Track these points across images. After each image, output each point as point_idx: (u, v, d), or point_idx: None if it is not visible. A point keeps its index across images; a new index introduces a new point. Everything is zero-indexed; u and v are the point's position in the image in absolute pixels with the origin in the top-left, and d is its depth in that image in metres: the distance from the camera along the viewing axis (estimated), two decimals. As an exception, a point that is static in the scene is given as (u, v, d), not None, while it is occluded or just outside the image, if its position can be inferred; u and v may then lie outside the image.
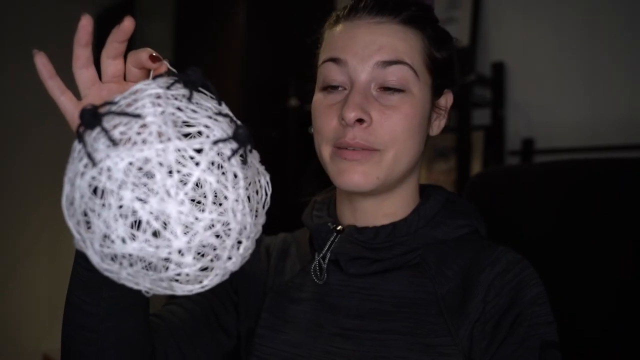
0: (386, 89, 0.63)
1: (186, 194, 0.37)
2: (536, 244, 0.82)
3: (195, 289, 0.40)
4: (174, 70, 0.46)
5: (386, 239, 0.66)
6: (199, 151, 0.38)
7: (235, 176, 0.39)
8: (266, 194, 0.44)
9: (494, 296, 0.62)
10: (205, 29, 2.15)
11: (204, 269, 0.40)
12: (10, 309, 2.63)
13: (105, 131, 0.38)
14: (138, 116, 0.38)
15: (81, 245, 0.39)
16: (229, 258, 0.40)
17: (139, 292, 0.41)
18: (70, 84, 0.52)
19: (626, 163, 0.82)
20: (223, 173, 0.39)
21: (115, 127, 0.39)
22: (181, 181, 0.37)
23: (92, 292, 0.55)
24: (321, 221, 0.72)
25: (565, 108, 1.48)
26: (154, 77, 0.44)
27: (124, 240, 0.37)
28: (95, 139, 0.38)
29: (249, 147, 0.41)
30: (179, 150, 0.37)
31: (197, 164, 0.37)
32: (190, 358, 0.67)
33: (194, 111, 0.40)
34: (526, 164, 1.48)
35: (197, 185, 0.38)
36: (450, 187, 1.53)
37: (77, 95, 0.53)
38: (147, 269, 0.40)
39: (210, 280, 0.40)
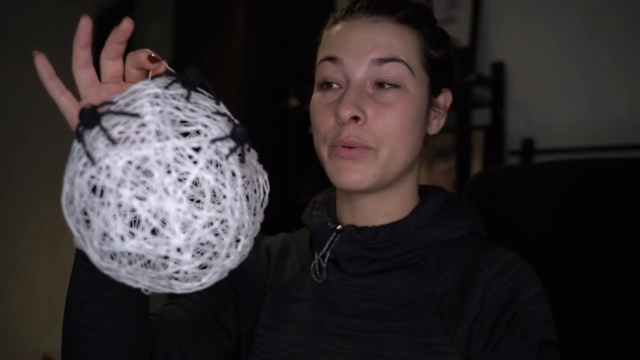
0: (381, 85, 0.64)
1: (184, 192, 0.37)
2: (536, 244, 0.82)
3: (194, 286, 0.40)
4: (172, 70, 0.47)
5: (385, 239, 0.67)
6: (197, 150, 0.38)
7: (233, 174, 0.39)
8: (264, 193, 0.44)
9: (492, 296, 0.62)
10: (205, 29, 2.15)
11: (203, 267, 0.40)
12: (10, 309, 2.63)
13: (104, 130, 0.38)
14: (136, 115, 0.39)
15: (81, 244, 0.40)
16: (228, 256, 0.41)
17: (139, 291, 0.41)
18: (70, 84, 0.53)
19: (626, 163, 0.82)
20: (221, 171, 0.39)
21: (114, 126, 0.39)
22: (179, 179, 0.37)
23: (92, 291, 0.55)
24: (321, 221, 0.72)
25: (565, 108, 1.48)
26: (153, 77, 0.44)
27: (122, 238, 0.37)
28: (95, 138, 0.39)
29: (246, 146, 0.41)
30: (177, 148, 0.37)
31: (195, 162, 0.38)
32: (190, 358, 0.67)
33: (192, 110, 0.41)
34: (526, 164, 1.48)
35: (195, 183, 0.38)
36: (450, 187, 1.53)
37: (77, 95, 0.53)
38: (146, 267, 0.40)
39: (208, 278, 0.41)
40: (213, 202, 0.39)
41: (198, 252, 0.39)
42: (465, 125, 1.45)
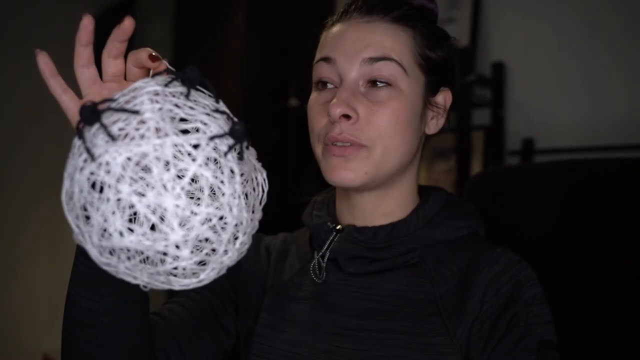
0: (374, 84, 0.64)
1: (183, 188, 0.37)
2: (536, 244, 0.82)
3: (192, 283, 0.41)
4: (172, 69, 0.47)
5: (385, 239, 0.67)
6: (195, 147, 0.38)
7: (232, 172, 0.39)
8: (263, 191, 0.44)
9: (492, 296, 0.62)
10: (205, 29, 2.15)
11: (201, 263, 0.40)
12: (10, 309, 2.63)
13: (104, 127, 0.38)
14: (136, 112, 0.39)
15: (80, 239, 0.40)
16: (226, 252, 0.41)
17: (138, 289, 0.42)
18: (72, 83, 0.53)
19: (626, 163, 0.82)
20: (220, 168, 0.39)
21: (114, 123, 0.39)
22: (178, 176, 0.37)
23: (92, 289, 0.55)
24: (321, 221, 0.72)
25: (565, 108, 1.48)
26: (153, 76, 0.44)
27: (121, 234, 0.37)
28: (95, 135, 0.39)
29: (245, 144, 0.41)
30: (176, 145, 0.38)
31: (193, 159, 0.38)
32: (189, 357, 0.67)
33: (192, 108, 0.41)
34: (526, 164, 1.48)
35: (193, 180, 0.38)
36: (450, 187, 1.53)
37: (79, 94, 0.53)
38: (144, 263, 0.40)
39: (207, 275, 0.41)
40: (212, 199, 0.39)
41: (197, 248, 0.40)
42: (465, 125, 1.45)
